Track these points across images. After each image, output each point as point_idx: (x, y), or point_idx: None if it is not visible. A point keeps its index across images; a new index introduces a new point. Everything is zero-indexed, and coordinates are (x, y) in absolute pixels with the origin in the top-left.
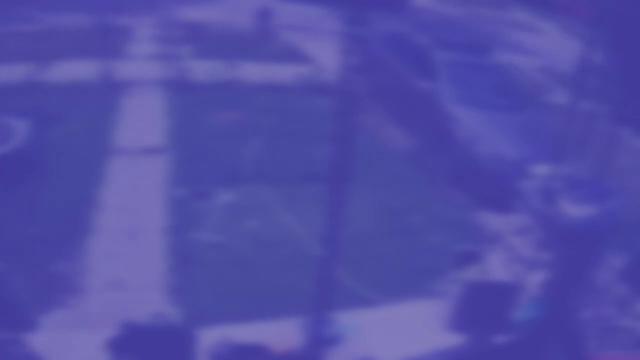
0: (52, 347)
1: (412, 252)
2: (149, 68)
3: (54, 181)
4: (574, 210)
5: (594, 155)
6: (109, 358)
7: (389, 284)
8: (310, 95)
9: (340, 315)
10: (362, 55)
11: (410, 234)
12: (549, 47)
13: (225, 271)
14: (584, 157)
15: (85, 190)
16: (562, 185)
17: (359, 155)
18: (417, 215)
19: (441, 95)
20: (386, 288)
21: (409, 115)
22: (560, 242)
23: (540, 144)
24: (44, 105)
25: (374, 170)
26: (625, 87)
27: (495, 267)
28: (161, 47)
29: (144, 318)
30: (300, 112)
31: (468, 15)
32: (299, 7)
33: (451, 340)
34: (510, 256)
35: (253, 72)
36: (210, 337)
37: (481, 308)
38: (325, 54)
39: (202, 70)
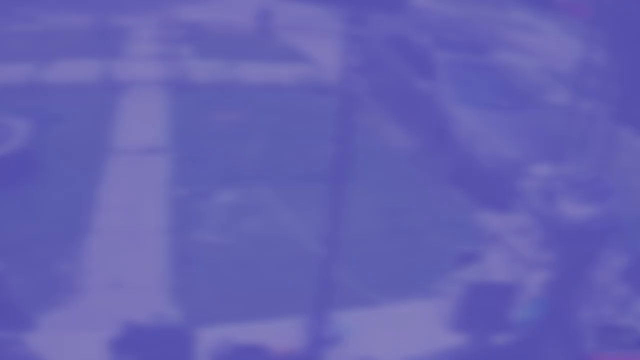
0: (52, 347)
1: (412, 252)
2: (149, 68)
3: (54, 181)
4: (574, 210)
5: (594, 155)
6: (109, 358)
7: (389, 284)
8: (310, 95)
9: (340, 315)
10: (362, 55)
11: (410, 234)
12: (549, 47)
13: (225, 271)
14: (584, 157)
15: (85, 190)
16: (562, 185)
17: (359, 155)
18: (417, 216)
19: (441, 95)
20: (386, 288)
21: (409, 115)
22: (560, 242)
23: (540, 144)
24: (44, 105)
25: (374, 170)
26: (625, 87)
27: (495, 267)
28: (161, 47)
29: (144, 318)
30: (300, 112)
31: (468, 15)
32: (299, 7)
33: (451, 340)
34: (510, 256)
35: (253, 72)
36: (210, 337)
37: (481, 308)
38: (325, 54)
39: (202, 70)
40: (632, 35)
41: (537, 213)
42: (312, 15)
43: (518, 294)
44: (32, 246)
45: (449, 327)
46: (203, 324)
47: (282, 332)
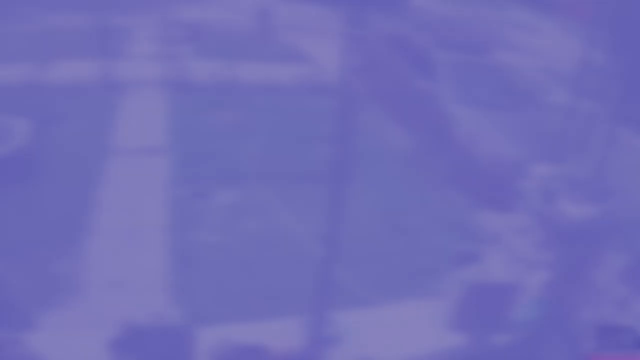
0: (52, 347)
1: (412, 252)
2: (149, 68)
3: (54, 181)
4: (573, 210)
5: (594, 155)
6: (110, 358)
7: (388, 284)
8: (309, 95)
9: (340, 315)
10: (361, 56)
11: (410, 234)
12: (549, 47)
13: (225, 271)
14: (584, 157)
15: (85, 190)
16: (562, 185)
17: (359, 155)
18: (416, 216)
19: (441, 95)
20: (386, 288)
21: (409, 115)
22: (560, 242)
23: (540, 143)
24: (44, 105)
25: (374, 170)
26: (625, 87)
27: (495, 267)
28: (161, 47)
29: (145, 318)
30: (299, 112)
31: (468, 15)
32: (298, 6)
33: (451, 340)
34: (510, 256)
35: (252, 72)
36: (210, 337)
37: (481, 308)
38: (325, 54)
39: (202, 70)
40: (632, 35)
41: (536, 213)
42: (312, 16)
43: (518, 294)
44: (32, 246)
45: (448, 328)
46: (203, 324)
47: (281, 332)
